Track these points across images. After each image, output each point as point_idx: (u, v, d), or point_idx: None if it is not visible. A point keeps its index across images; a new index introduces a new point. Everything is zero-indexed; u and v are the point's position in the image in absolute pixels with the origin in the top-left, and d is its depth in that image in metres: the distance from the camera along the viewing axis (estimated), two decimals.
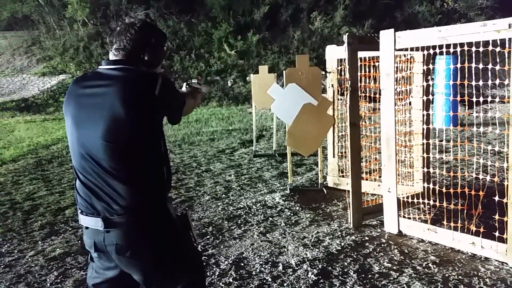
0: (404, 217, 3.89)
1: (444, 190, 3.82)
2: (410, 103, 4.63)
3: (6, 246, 3.99)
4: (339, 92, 5.27)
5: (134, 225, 1.66)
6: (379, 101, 3.93)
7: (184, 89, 2.17)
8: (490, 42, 3.20)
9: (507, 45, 3.06)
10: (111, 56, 1.79)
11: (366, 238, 3.78)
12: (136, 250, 1.67)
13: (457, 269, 3.15)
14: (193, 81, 2.19)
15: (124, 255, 1.67)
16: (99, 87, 1.68)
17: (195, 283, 1.82)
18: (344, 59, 4.17)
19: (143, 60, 1.78)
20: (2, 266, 3.57)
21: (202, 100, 2.27)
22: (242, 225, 4.19)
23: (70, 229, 4.31)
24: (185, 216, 1.82)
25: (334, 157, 5.33)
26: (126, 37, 1.76)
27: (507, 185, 3.08)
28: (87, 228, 1.74)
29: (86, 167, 1.68)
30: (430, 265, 3.24)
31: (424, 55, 4.20)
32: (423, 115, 4.32)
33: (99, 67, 1.77)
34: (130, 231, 1.65)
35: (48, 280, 3.29)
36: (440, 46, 3.54)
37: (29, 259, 3.67)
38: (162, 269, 1.73)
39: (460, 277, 3.04)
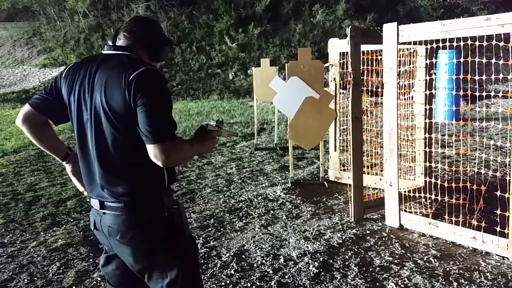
0: (405, 211, 3.90)
1: (446, 184, 3.83)
2: (412, 97, 4.63)
3: (8, 236, 4.00)
4: (341, 86, 5.26)
5: (125, 210, 1.70)
6: (382, 95, 3.93)
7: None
8: (494, 36, 3.19)
9: (511, 40, 3.05)
10: (117, 41, 1.80)
11: (367, 231, 3.79)
12: (125, 233, 1.71)
13: (458, 263, 3.16)
14: (210, 123, 1.83)
15: (114, 238, 1.72)
16: (90, 75, 1.69)
17: (186, 275, 1.79)
18: (347, 52, 4.16)
19: (144, 45, 1.78)
20: (4, 256, 3.59)
21: (212, 148, 1.85)
22: (243, 218, 4.20)
23: (72, 220, 4.33)
24: (177, 208, 1.80)
25: (335, 151, 5.33)
26: (136, 22, 1.82)
27: (509, 180, 3.08)
28: (92, 207, 1.82)
29: (85, 151, 1.74)
30: (431, 259, 3.25)
31: (427, 49, 4.19)
32: (425, 109, 4.31)
33: (102, 51, 1.78)
34: (121, 215, 1.70)
35: (50, 270, 3.31)
36: (443, 40, 3.53)
37: (31, 250, 3.69)
38: (151, 256, 1.75)
39: (461, 271, 3.05)
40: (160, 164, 1.61)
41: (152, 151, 1.59)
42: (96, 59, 1.74)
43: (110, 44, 1.80)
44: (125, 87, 1.58)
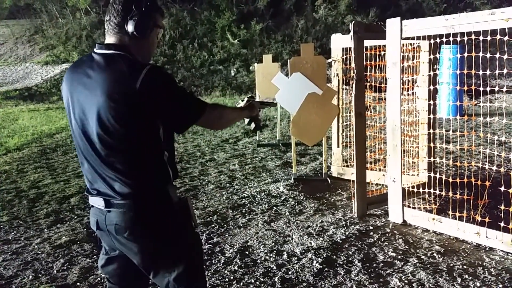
0: (408, 206, 3.89)
1: (450, 180, 3.82)
2: (415, 93, 4.61)
3: (13, 233, 4.02)
4: (344, 82, 5.25)
5: (133, 207, 1.69)
6: (385, 91, 3.91)
7: (241, 103, 2.16)
8: (498, 31, 3.17)
9: None
10: (106, 37, 1.76)
11: (371, 227, 3.79)
12: (134, 230, 1.70)
13: (461, 259, 3.16)
14: (240, 102, 2.18)
15: (122, 235, 1.71)
16: (88, 77, 1.67)
17: (193, 269, 1.81)
18: (350, 48, 4.14)
19: (127, 32, 1.69)
20: (9, 253, 3.60)
21: (255, 112, 2.16)
22: (246, 214, 4.20)
23: (75, 217, 4.34)
24: (185, 202, 1.82)
25: (338, 147, 5.32)
26: (112, 9, 1.71)
27: None
28: (92, 206, 1.80)
29: (87, 152, 1.72)
30: (434, 254, 3.24)
31: (430, 44, 4.17)
32: (429, 104, 4.30)
33: (94, 50, 1.73)
34: (128, 212, 1.69)
35: (54, 267, 3.32)
36: (447, 35, 3.51)
37: (36, 247, 3.70)
38: (159, 252, 1.75)
39: (464, 266, 3.05)
40: (212, 129, 1.89)
41: (200, 125, 1.82)
42: (90, 60, 1.70)
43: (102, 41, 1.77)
44: (137, 91, 1.56)
